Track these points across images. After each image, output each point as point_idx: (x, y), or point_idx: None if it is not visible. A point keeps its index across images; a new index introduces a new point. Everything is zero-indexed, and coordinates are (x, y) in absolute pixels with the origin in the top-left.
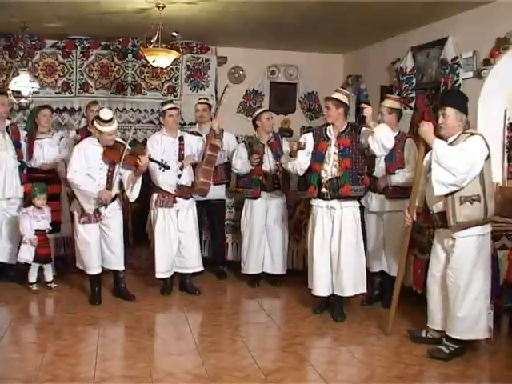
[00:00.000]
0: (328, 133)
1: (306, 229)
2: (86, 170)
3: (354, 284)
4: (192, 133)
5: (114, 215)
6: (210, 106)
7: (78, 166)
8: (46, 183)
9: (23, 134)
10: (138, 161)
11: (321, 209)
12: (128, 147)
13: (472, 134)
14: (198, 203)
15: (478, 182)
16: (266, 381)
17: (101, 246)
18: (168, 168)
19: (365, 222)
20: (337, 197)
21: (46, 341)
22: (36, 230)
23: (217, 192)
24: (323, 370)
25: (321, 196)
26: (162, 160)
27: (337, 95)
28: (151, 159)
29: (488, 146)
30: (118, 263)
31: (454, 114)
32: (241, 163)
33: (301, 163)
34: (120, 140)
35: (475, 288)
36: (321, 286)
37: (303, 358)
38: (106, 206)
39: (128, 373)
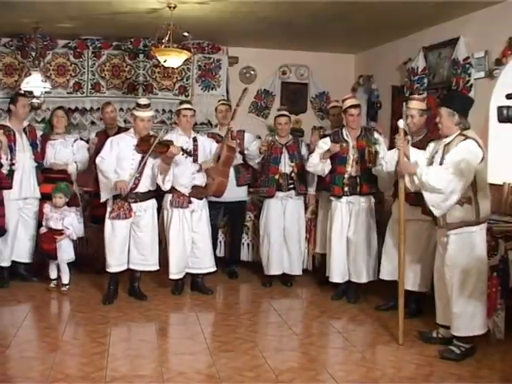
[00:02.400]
0: (345, 136)
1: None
2: (116, 160)
3: (368, 271)
4: (213, 134)
5: (145, 215)
6: (230, 106)
7: (107, 155)
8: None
9: (39, 134)
10: (170, 148)
11: (340, 203)
12: (159, 138)
13: (466, 138)
14: (219, 203)
15: (469, 184)
16: (277, 381)
17: (129, 245)
18: (191, 155)
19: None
20: (356, 193)
21: (57, 340)
22: (48, 228)
23: (239, 193)
24: (334, 371)
25: (342, 194)
26: (187, 148)
27: (356, 101)
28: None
29: (482, 149)
30: (146, 265)
31: (447, 115)
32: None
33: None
34: (154, 134)
35: (469, 285)
36: (337, 274)
37: (314, 358)
38: (125, 197)
39: (139, 372)
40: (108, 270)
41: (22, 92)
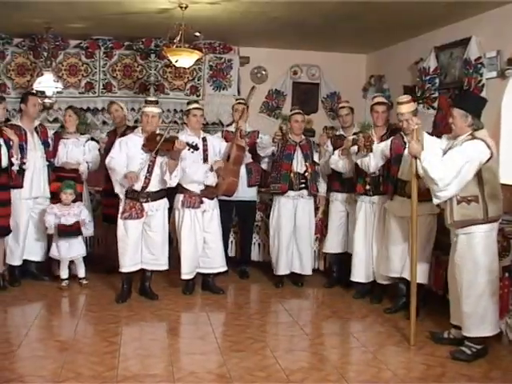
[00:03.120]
0: (373, 134)
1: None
2: (126, 159)
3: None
4: (228, 132)
5: (157, 215)
6: (247, 106)
7: (116, 154)
8: None
9: (51, 133)
10: (175, 143)
11: (364, 204)
12: (164, 136)
13: (473, 138)
14: (230, 203)
15: (476, 183)
16: (288, 381)
17: (141, 245)
18: (197, 149)
19: (386, 225)
20: (378, 193)
21: (69, 339)
22: (59, 225)
23: (250, 193)
24: (345, 371)
25: (365, 192)
26: (193, 142)
27: (383, 99)
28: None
29: (491, 150)
30: (157, 264)
31: (460, 116)
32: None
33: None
34: (160, 132)
35: (479, 285)
36: (362, 274)
37: (325, 359)
38: (137, 197)
39: (150, 371)
40: (121, 270)
41: (33, 91)
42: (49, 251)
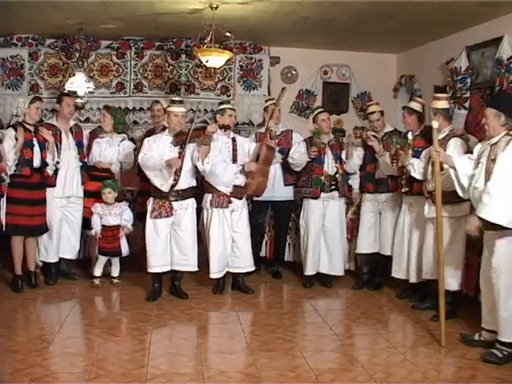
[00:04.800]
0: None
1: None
2: (156, 154)
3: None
4: (262, 134)
5: (186, 214)
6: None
7: (148, 150)
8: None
9: (86, 132)
10: (207, 127)
11: (404, 205)
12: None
13: None
14: (266, 203)
15: None
16: (318, 381)
17: (171, 246)
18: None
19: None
20: (412, 194)
21: (99, 337)
22: (103, 226)
23: (286, 192)
24: (374, 372)
25: (406, 192)
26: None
27: (411, 104)
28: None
29: None
30: (187, 265)
31: (493, 115)
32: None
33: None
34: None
35: None
36: (404, 272)
37: (354, 359)
38: (167, 195)
39: (180, 370)
40: (150, 270)
41: (67, 92)
42: (85, 249)
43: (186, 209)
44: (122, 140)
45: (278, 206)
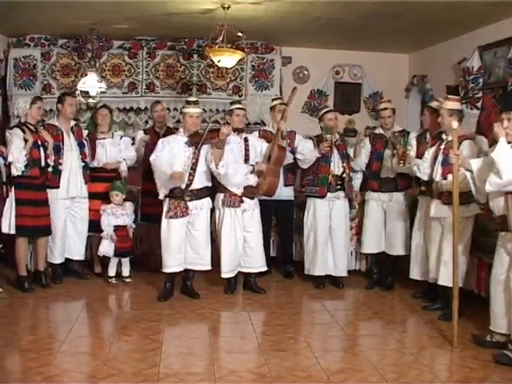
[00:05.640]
0: (427, 137)
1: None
2: (170, 157)
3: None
4: (265, 131)
5: (201, 214)
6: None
7: (160, 152)
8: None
9: (85, 133)
10: (221, 129)
11: (420, 203)
12: (209, 128)
13: None
14: (268, 202)
15: None
16: (329, 381)
17: (185, 246)
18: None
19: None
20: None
21: (111, 336)
22: (115, 226)
23: (287, 192)
24: (386, 372)
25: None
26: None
27: (433, 104)
28: None
29: None
30: (201, 264)
31: None
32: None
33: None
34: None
35: None
36: (419, 272)
37: (366, 360)
38: (182, 196)
39: (191, 370)
40: (165, 270)
41: (69, 91)
42: (91, 250)
43: (201, 208)
44: (122, 137)
45: (279, 206)
